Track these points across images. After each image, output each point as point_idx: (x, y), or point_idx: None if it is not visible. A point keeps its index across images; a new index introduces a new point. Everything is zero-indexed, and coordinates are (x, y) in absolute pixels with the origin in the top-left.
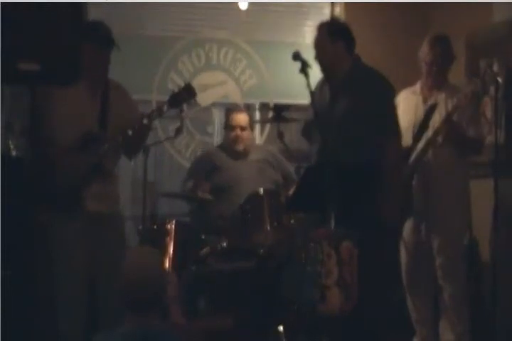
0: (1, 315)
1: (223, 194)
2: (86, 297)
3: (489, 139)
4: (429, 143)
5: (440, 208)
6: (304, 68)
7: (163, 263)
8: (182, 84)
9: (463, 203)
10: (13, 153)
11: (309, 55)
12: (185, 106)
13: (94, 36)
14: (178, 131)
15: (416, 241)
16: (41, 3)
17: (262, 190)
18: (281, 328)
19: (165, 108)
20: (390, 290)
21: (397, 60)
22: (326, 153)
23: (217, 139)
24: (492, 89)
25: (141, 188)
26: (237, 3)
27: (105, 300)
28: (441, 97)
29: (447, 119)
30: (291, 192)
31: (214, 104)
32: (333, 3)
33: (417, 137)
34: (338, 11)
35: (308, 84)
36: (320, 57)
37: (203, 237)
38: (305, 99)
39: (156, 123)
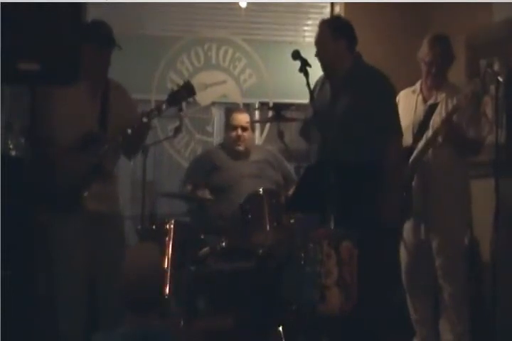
0: (1, 315)
1: (223, 194)
2: (86, 297)
3: (490, 139)
4: (429, 143)
5: (440, 208)
6: (304, 67)
7: (162, 261)
8: (181, 82)
9: (463, 203)
10: (13, 153)
11: (309, 54)
12: (184, 106)
13: (95, 36)
14: (177, 131)
15: (416, 241)
16: (41, 3)
17: (261, 190)
18: (281, 328)
19: (164, 106)
20: (389, 290)
21: (397, 60)
22: (326, 153)
23: (216, 139)
24: (493, 88)
25: (140, 188)
26: (236, 2)
27: (105, 300)
28: (441, 97)
29: (446, 120)
30: (291, 192)
31: (213, 104)
32: (333, 3)
33: (416, 137)
34: (337, 10)
35: (308, 83)
36: (321, 55)
37: (203, 237)
38: (305, 99)
39: (155, 122)
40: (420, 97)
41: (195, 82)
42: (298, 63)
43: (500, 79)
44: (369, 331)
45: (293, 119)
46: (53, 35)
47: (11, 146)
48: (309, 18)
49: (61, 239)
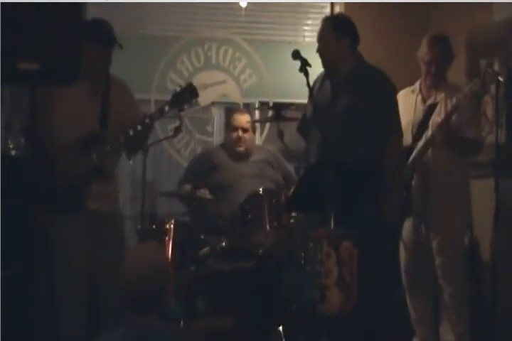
0: (1, 315)
1: (223, 194)
2: (86, 297)
3: (490, 139)
4: (428, 143)
5: (440, 208)
6: (304, 67)
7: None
8: (183, 84)
9: (463, 203)
10: (13, 152)
11: (309, 54)
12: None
13: (96, 34)
14: (177, 131)
15: (416, 241)
16: (41, 3)
17: (261, 190)
18: (281, 328)
19: (166, 108)
20: (389, 290)
21: (397, 60)
22: (326, 152)
23: (216, 138)
24: (493, 88)
25: (140, 188)
26: (236, 2)
27: (105, 300)
28: (440, 97)
29: (444, 122)
30: (290, 192)
31: (213, 104)
32: (332, 3)
33: (416, 137)
34: (337, 10)
35: (308, 83)
36: (323, 52)
37: (203, 237)
38: (305, 98)
39: (155, 122)
40: (419, 97)
41: (195, 82)
42: (298, 63)
43: (500, 79)
44: (369, 331)
45: (293, 119)
46: (53, 35)
47: (11, 146)
48: (309, 18)
49: (61, 239)
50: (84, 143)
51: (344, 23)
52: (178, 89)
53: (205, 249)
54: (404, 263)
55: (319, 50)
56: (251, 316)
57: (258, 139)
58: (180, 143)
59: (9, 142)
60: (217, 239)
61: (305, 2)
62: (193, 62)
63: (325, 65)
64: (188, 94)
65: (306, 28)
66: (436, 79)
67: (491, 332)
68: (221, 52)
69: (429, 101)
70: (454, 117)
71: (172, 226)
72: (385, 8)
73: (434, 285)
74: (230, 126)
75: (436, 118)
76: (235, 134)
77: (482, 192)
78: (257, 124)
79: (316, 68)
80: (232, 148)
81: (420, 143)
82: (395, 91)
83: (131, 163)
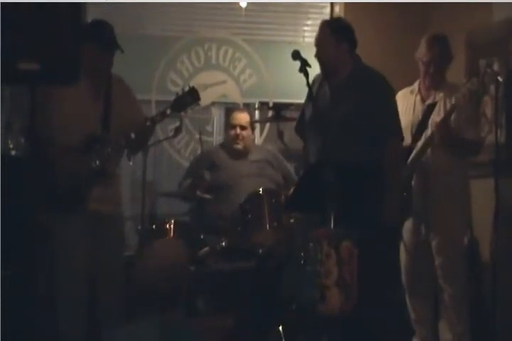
0: (1, 315)
1: (223, 193)
2: (86, 297)
3: (490, 139)
4: (428, 143)
5: (440, 208)
6: (304, 67)
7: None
8: (185, 87)
9: (462, 203)
10: (13, 152)
11: (309, 54)
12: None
13: (98, 38)
14: (177, 131)
15: (416, 241)
16: (41, 3)
17: (261, 190)
18: (281, 328)
19: (168, 111)
20: (389, 290)
21: (397, 60)
22: (326, 153)
23: (216, 138)
24: (492, 88)
25: (140, 188)
26: (236, 2)
27: (105, 300)
28: (439, 97)
29: (443, 122)
30: (290, 191)
31: (213, 104)
32: (332, 3)
33: (415, 137)
34: (337, 10)
35: (308, 83)
36: (322, 56)
37: (203, 237)
38: (305, 99)
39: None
40: (418, 97)
41: (195, 82)
42: (298, 63)
43: (500, 79)
44: (369, 331)
45: (293, 119)
46: (53, 35)
47: (11, 146)
48: (309, 18)
49: (62, 239)
50: (86, 145)
51: (342, 27)
52: (180, 92)
53: (205, 249)
54: (405, 263)
55: (318, 55)
56: (251, 316)
57: (258, 139)
58: (181, 144)
59: (9, 142)
60: (217, 239)
61: (305, 2)
62: (193, 62)
63: (324, 69)
64: (189, 97)
65: (305, 28)
66: (435, 79)
67: (491, 332)
68: (221, 52)
69: (428, 102)
70: (453, 117)
71: (172, 226)
72: (385, 8)
73: (433, 285)
74: (229, 124)
75: (436, 118)
76: (233, 132)
77: (482, 192)
78: (257, 124)
79: (316, 68)
80: (231, 145)
81: (420, 143)
82: (394, 94)
83: (131, 163)
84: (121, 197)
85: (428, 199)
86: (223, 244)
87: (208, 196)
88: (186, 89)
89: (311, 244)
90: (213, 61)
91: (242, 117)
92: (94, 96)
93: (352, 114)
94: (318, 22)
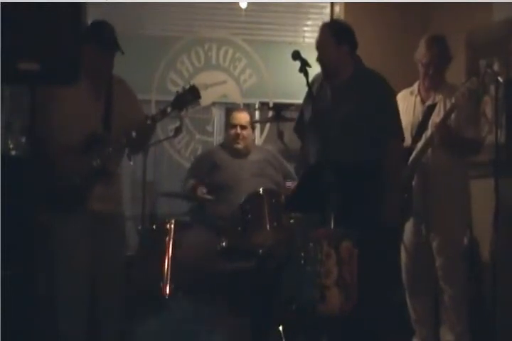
0: (1, 315)
1: (223, 193)
2: (86, 297)
3: (490, 139)
4: (428, 143)
5: (440, 208)
6: (304, 67)
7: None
8: (186, 85)
9: (463, 203)
10: (13, 153)
11: (309, 54)
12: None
13: (99, 38)
14: (178, 131)
15: (416, 241)
16: (41, 3)
17: (261, 190)
18: (281, 328)
19: (169, 109)
20: (389, 291)
21: (397, 60)
22: (326, 153)
23: (216, 138)
24: (492, 88)
25: (140, 188)
26: (236, 2)
27: (105, 300)
28: (439, 98)
29: (442, 122)
30: (290, 192)
31: (214, 104)
32: (332, 3)
33: (416, 138)
34: (337, 10)
35: (308, 84)
36: (323, 59)
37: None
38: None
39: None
40: (418, 98)
41: (195, 82)
42: (298, 63)
43: (500, 79)
44: (369, 331)
45: (293, 119)
46: (53, 35)
47: (11, 146)
48: (309, 19)
49: (63, 239)
50: (87, 145)
51: (343, 30)
52: (180, 90)
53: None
54: (405, 263)
55: (319, 58)
56: (251, 316)
57: (258, 139)
58: (181, 144)
59: (9, 142)
60: (217, 239)
61: (305, 2)
62: (193, 63)
63: (325, 71)
64: (190, 95)
65: (306, 28)
66: (435, 80)
67: (491, 332)
68: (221, 52)
69: (428, 102)
70: (453, 117)
71: (172, 226)
72: (385, 8)
73: (433, 285)
74: (229, 124)
75: (436, 118)
76: (233, 131)
77: (482, 192)
78: (257, 124)
79: (316, 69)
80: (231, 145)
81: (420, 144)
82: (395, 94)
83: (131, 163)
84: (122, 196)
85: (428, 199)
86: (223, 244)
87: (208, 196)
88: (187, 87)
89: (311, 244)
90: (213, 61)
91: (243, 117)
92: (94, 96)
93: (353, 115)
94: (319, 22)
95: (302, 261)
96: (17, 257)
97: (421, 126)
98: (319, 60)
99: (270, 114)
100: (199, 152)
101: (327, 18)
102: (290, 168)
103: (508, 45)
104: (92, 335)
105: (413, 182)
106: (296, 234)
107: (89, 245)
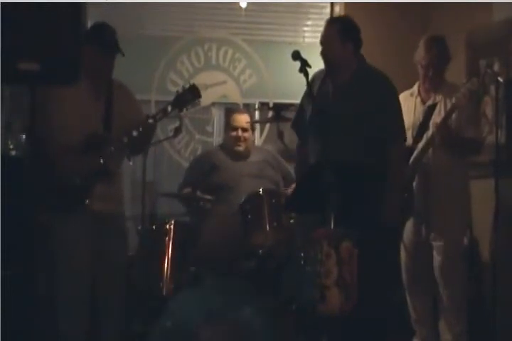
0: (1, 315)
1: (223, 194)
2: (86, 297)
3: (490, 139)
4: (429, 143)
5: (440, 208)
6: (304, 68)
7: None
8: (186, 85)
9: (463, 203)
10: (13, 153)
11: (309, 54)
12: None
13: (100, 40)
14: (177, 131)
15: (416, 241)
16: (41, 3)
17: (261, 190)
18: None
19: (169, 108)
20: (389, 290)
21: (397, 60)
22: (327, 153)
23: (216, 139)
24: (493, 88)
25: (140, 188)
26: (236, 2)
27: (105, 300)
28: (439, 98)
29: (443, 122)
30: (290, 192)
31: (213, 104)
32: (332, 3)
33: (416, 138)
34: (337, 10)
35: (308, 83)
36: (327, 55)
37: None
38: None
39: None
40: (418, 99)
41: (195, 82)
42: (298, 64)
43: (500, 79)
44: (369, 331)
45: None
46: (53, 35)
47: (11, 146)
48: (309, 19)
49: (63, 239)
50: (87, 145)
51: (348, 27)
52: (180, 89)
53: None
54: (405, 263)
55: (323, 53)
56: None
57: (258, 140)
58: (181, 144)
59: (9, 142)
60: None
61: (305, 2)
62: (193, 63)
63: (328, 67)
64: (190, 94)
65: (306, 28)
66: (435, 81)
67: (491, 332)
68: (221, 52)
69: (429, 103)
70: (453, 117)
71: (172, 226)
72: (385, 8)
73: (433, 285)
74: (229, 126)
75: (437, 118)
76: (234, 134)
77: (482, 193)
78: (257, 125)
79: (316, 69)
80: (232, 147)
81: (421, 144)
82: (397, 94)
83: (131, 163)
84: (123, 196)
85: (429, 199)
86: None
87: (208, 197)
88: (187, 86)
89: (311, 244)
90: (213, 61)
91: (243, 119)
92: (94, 96)
93: (355, 114)
94: (319, 22)
95: (302, 261)
96: (17, 257)
97: (422, 127)
98: (323, 54)
99: (270, 114)
100: (199, 152)
101: (327, 18)
102: (290, 168)
103: (508, 45)
104: (92, 335)
105: (414, 183)
106: (296, 234)
107: (90, 245)
